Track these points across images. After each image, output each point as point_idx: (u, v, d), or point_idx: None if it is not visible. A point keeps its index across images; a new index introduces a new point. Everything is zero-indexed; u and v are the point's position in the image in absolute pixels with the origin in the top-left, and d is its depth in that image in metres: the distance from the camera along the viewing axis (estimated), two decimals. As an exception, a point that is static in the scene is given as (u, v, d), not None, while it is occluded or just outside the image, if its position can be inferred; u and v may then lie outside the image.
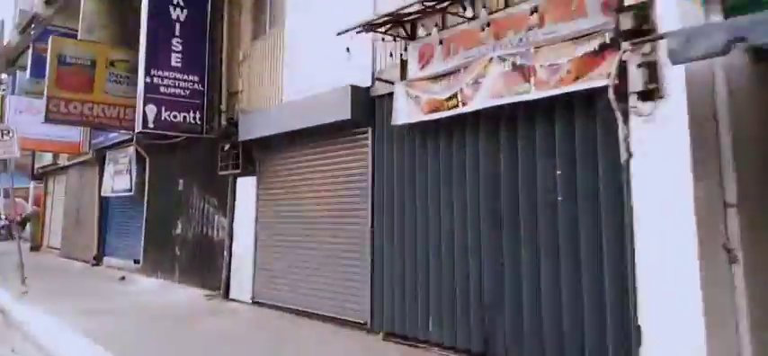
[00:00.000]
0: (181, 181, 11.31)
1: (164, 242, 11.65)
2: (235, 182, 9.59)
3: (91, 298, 9.53)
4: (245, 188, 9.31)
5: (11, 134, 11.65)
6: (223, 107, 9.75)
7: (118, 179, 13.68)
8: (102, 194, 14.45)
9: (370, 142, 6.95)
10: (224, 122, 9.67)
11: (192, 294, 9.81)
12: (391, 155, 6.63)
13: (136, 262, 12.65)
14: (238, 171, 9.07)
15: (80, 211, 16.67)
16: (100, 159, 15.40)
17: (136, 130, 9.44)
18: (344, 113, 6.88)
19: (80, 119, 11.98)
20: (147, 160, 12.76)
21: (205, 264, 10.15)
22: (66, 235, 17.56)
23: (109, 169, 14.27)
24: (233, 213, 9.55)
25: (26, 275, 10.46)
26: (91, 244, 15.40)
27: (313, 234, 7.72)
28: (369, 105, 6.94)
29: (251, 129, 8.71)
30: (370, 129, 6.96)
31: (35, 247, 20.28)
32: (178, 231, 11.16)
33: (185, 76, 9.73)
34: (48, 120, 11.73)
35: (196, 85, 9.82)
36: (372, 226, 6.77)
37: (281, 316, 7.78)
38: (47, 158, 19.47)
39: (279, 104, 8.54)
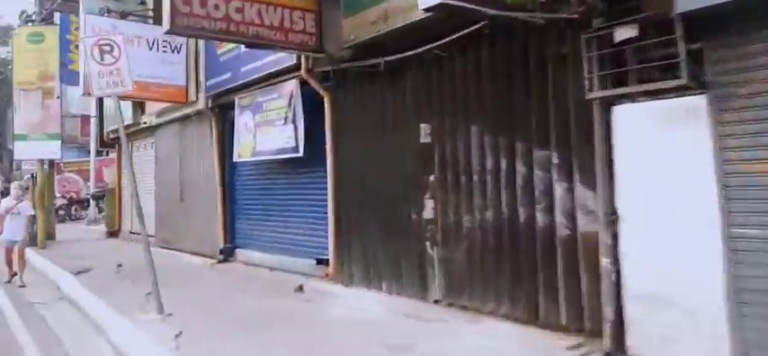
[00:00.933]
0: (423, 126, 6.40)
1: (388, 231, 6.81)
2: (608, 115, 4.62)
3: (317, 350, 4.84)
4: (660, 126, 4.33)
5: (117, 54, 6.87)
6: (581, -42, 4.70)
7: (266, 134, 8.84)
8: (238, 159, 9.64)
9: None
10: (590, -10, 4.64)
11: (518, 339, 4.97)
12: None
13: (320, 262, 7.87)
14: (680, 83, 4.05)
15: (184, 185, 12.02)
16: (217, 109, 10.63)
17: (424, 5, 4.48)
18: None
19: (225, 28, 6.98)
20: (326, 99, 7.87)
21: (532, 277, 5.28)
22: (165, 218, 12.96)
23: (244, 121, 9.42)
24: (612, 181, 4.61)
25: (130, 278, 6.88)
26: (211, 232, 10.75)
27: None
28: None
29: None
30: None
31: (113, 233, 15.90)
32: (427, 214, 6.28)
33: None
34: (173, 30, 6.79)
35: None
36: None
37: None
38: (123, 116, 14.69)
39: None
